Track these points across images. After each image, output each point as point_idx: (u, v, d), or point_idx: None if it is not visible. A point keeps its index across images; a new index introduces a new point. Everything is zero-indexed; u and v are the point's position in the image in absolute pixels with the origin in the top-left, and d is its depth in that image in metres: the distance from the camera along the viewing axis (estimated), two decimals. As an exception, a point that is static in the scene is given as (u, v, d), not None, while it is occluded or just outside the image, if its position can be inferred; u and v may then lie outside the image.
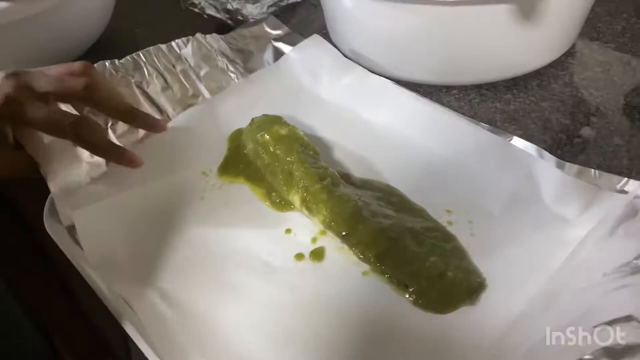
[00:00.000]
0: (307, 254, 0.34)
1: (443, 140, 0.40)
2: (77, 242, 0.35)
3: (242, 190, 0.39)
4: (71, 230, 0.36)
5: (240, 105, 0.45)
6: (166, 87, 0.47)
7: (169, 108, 0.46)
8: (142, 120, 0.41)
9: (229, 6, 0.57)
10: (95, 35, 0.57)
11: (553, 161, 0.36)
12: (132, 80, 0.47)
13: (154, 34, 0.48)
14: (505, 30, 0.42)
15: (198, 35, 0.51)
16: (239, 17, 0.58)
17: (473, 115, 0.43)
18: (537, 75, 0.46)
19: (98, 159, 0.40)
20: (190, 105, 0.46)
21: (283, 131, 0.39)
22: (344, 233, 0.34)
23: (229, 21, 0.58)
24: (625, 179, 0.32)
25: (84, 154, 0.40)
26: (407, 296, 0.31)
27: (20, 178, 0.40)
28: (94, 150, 0.38)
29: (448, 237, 0.34)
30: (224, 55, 0.51)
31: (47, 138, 0.38)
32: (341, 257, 0.34)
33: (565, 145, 0.39)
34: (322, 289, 0.32)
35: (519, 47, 0.44)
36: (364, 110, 0.44)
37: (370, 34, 0.47)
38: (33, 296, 0.42)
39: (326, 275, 0.33)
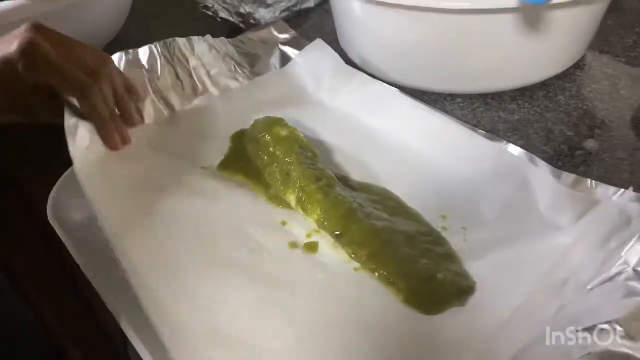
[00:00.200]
0: (301, 245, 0.34)
1: (440, 147, 0.40)
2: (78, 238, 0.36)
3: (240, 185, 0.40)
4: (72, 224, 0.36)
5: (245, 107, 0.46)
6: (177, 82, 0.48)
7: (176, 104, 0.47)
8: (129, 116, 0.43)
9: (241, 10, 0.58)
10: (110, 36, 0.59)
11: (548, 169, 0.35)
12: (145, 74, 0.47)
13: (169, 36, 0.49)
14: (512, 40, 0.42)
15: (208, 37, 0.52)
16: (252, 21, 0.58)
17: (476, 124, 0.43)
18: (544, 86, 0.46)
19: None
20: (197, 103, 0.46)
21: (283, 133, 0.40)
22: (337, 233, 0.34)
23: (241, 25, 0.59)
24: (622, 190, 0.32)
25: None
26: (397, 295, 0.31)
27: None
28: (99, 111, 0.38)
29: (441, 242, 0.34)
30: (232, 58, 0.52)
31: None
32: (334, 254, 0.34)
33: (566, 157, 0.39)
34: (314, 277, 0.32)
35: (526, 57, 0.44)
36: (364, 115, 0.45)
37: (377, 41, 0.48)
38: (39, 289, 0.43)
39: (319, 264, 0.33)
